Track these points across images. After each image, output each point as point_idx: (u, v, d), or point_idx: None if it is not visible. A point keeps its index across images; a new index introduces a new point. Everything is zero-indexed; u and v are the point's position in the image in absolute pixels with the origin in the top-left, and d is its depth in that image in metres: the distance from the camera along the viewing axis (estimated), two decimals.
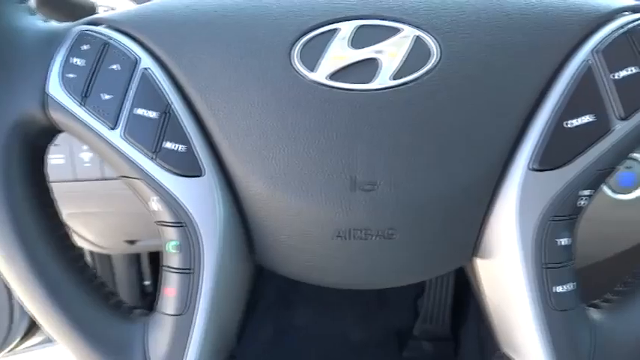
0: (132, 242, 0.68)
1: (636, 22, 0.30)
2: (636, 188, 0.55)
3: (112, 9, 0.54)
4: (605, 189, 0.54)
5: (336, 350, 1.12)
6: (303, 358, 1.13)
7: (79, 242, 0.66)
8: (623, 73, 0.29)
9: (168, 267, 0.31)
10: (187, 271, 0.30)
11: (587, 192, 0.29)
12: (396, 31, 0.30)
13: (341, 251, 0.30)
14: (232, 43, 0.30)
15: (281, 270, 0.33)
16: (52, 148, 0.34)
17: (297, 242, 0.31)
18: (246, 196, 0.30)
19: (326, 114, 0.29)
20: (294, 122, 0.29)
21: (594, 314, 0.31)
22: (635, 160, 0.55)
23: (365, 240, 0.30)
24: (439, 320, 1.07)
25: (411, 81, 0.29)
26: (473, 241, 0.31)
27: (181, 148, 0.30)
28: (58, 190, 0.34)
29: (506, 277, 0.31)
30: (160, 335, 0.31)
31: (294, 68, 0.29)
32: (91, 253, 0.79)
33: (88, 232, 0.64)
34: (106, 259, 0.86)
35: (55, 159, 0.52)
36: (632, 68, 0.29)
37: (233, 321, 0.34)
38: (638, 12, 0.31)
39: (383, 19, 0.30)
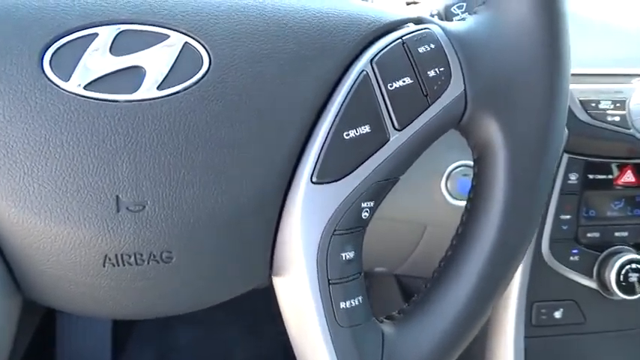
0: None
1: (414, 33, 0.30)
2: None
3: None
4: (447, 196, 0.56)
5: None
6: None
7: None
8: (397, 84, 0.29)
9: None
10: None
11: (369, 204, 0.29)
12: (163, 37, 0.27)
13: (113, 279, 0.27)
14: None
15: (52, 302, 0.29)
16: None
17: (64, 272, 0.27)
18: None
19: (83, 127, 0.26)
20: (46, 137, 0.26)
21: (386, 327, 0.31)
22: (471, 167, 0.58)
23: (138, 265, 0.27)
24: None
25: (179, 91, 0.27)
26: (266, 259, 0.30)
27: None
28: None
29: (298, 295, 0.29)
30: None
31: (45, 77, 0.26)
32: None
33: None
34: None
35: None
36: (407, 79, 0.29)
37: None
38: (420, 23, 0.32)
39: (148, 24, 0.27)
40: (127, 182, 0.26)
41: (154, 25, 0.27)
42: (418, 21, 0.32)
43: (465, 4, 0.41)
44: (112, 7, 0.27)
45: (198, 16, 0.28)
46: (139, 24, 0.27)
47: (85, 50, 0.27)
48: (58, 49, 0.26)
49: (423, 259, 0.61)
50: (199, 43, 0.27)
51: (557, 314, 0.59)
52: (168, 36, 0.27)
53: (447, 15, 0.42)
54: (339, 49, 0.29)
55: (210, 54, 0.27)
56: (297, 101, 0.28)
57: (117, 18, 0.27)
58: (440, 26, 0.31)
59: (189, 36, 0.27)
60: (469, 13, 0.42)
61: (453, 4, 0.42)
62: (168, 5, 0.28)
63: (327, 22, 0.29)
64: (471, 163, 0.60)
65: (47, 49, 0.26)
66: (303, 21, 0.29)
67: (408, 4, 0.60)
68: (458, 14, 0.41)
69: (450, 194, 0.56)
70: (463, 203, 0.61)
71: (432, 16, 0.42)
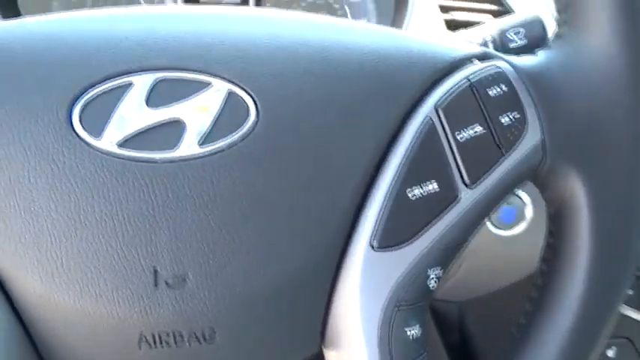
0: None
1: (482, 72, 0.27)
2: (517, 224, 0.53)
3: None
4: (488, 224, 0.52)
5: None
6: None
7: None
8: (467, 133, 0.25)
9: None
10: None
11: (437, 271, 0.25)
12: (205, 85, 0.24)
13: None
14: None
15: None
16: None
17: (94, 352, 0.24)
18: (21, 295, 0.24)
19: (116, 191, 0.23)
20: (76, 203, 0.23)
21: None
22: (516, 195, 0.54)
23: (178, 346, 0.24)
24: None
25: (223, 148, 0.24)
26: (317, 331, 0.27)
27: None
28: None
29: None
30: None
31: (74, 133, 0.23)
32: None
33: None
34: None
35: None
36: (477, 127, 0.26)
37: None
38: (485, 59, 0.28)
39: (187, 71, 0.24)
40: (165, 253, 0.23)
41: (194, 72, 0.24)
42: (483, 56, 0.28)
43: (522, 30, 0.38)
44: (148, 51, 0.24)
45: (242, 59, 0.25)
46: (178, 70, 0.24)
47: (119, 102, 0.23)
48: (89, 101, 0.23)
49: (460, 284, 0.58)
50: (245, 90, 0.24)
51: (611, 353, 0.55)
52: (211, 84, 0.24)
53: (502, 41, 0.38)
54: (399, 94, 0.26)
55: (258, 103, 0.24)
56: (355, 154, 0.25)
57: (153, 64, 0.24)
58: (508, 62, 0.28)
59: (233, 83, 0.24)
60: (527, 40, 0.39)
61: (509, 29, 0.38)
62: (208, 48, 0.25)
63: (385, 62, 0.26)
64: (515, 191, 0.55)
65: (76, 101, 0.23)
66: (358, 63, 0.26)
67: (448, 26, 0.56)
68: (515, 40, 0.38)
69: (493, 223, 0.53)
70: (505, 232, 0.58)
71: (485, 42, 0.38)
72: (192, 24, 0.26)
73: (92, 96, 0.23)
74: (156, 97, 0.24)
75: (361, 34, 0.28)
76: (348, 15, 0.63)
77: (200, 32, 0.26)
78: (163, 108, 0.24)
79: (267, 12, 0.29)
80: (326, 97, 0.25)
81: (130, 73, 0.24)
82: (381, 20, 0.62)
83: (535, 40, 0.38)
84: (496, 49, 0.38)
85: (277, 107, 0.24)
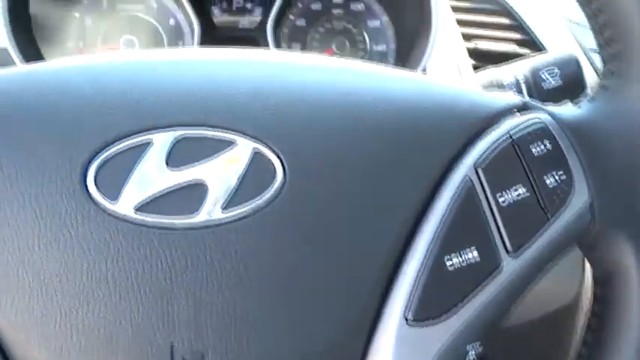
0: None
1: (524, 127, 0.25)
2: None
3: None
4: None
5: None
6: None
7: None
8: (509, 196, 0.24)
9: None
10: None
11: (476, 347, 0.23)
12: (228, 143, 0.22)
13: None
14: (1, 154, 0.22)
15: None
16: None
17: None
18: None
19: (132, 260, 0.21)
20: (88, 272, 0.21)
21: None
22: None
23: None
24: None
25: (248, 214, 0.22)
26: None
27: None
28: None
29: None
30: None
31: (89, 197, 0.22)
32: None
33: None
34: None
35: None
36: (520, 189, 0.24)
37: None
38: (525, 110, 0.26)
39: (209, 128, 0.23)
40: (184, 327, 0.21)
41: (216, 129, 0.23)
42: (523, 107, 0.26)
43: (557, 70, 0.36)
44: (167, 106, 0.23)
45: (268, 114, 0.23)
46: (199, 127, 0.23)
47: (137, 163, 0.22)
48: (105, 161, 0.22)
49: None
50: (271, 149, 0.23)
51: None
52: (235, 142, 0.22)
53: (535, 80, 0.36)
54: (436, 150, 0.24)
55: (285, 163, 0.22)
56: (388, 218, 0.23)
57: (173, 120, 0.22)
58: (551, 114, 0.26)
59: (258, 141, 0.23)
60: (563, 80, 0.37)
61: (543, 68, 0.36)
62: (231, 102, 0.23)
63: (420, 115, 0.24)
64: None
65: (91, 162, 0.22)
66: (392, 117, 0.24)
67: (471, 55, 0.54)
68: (549, 81, 0.36)
69: None
70: None
71: (518, 82, 0.37)
72: (212, 73, 0.25)
73: (108, 155, 0.22)
74: (176, 156, 0.22)
75: (393, 82, 0.26)
76: (367, 41, 0.61)
77: (221, 83, 0.24)
78: (184, 169, 0.22)
79: (290, 57, 0.27)
80: (358, 156, 0.23)
81: (149, 130, 0.22)
82: (400, 46, 0.60)
83: (571, 80, 0.36)
84: (529, 89, 0.36)
85: (306, 168, 0.23)
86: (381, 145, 0.24)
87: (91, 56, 0.26)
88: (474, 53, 0.55)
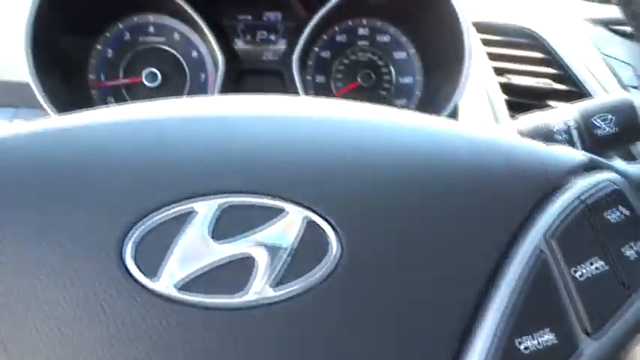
0: None
1: (596, 191, 0.23)
2: None
3: None
4: None
5: None
6: None
7: None
8: (585, 270, 0.21)
9: None
10: None
11: None
12: (278, 212, 0.20)
13: None
14: (31, 224, 0.20)
15: None
16: None
17: None
18: None
19: (173, 343, 0.19)
20: (124, 356, 0.19)
21: None
22: None
23: None
24: None
25: (300, 291, 0.20)
26: None
27: None
28: None
29: None
30: None
31: (126, 273, 0.20)
32: None
33: None
34: None
35: None
36: (598, 262, 0.21)
37: None
38: (596, 169, 0.24)
39: (256, 195, 0.21)
40: None
41: (264, 196, 0.21)
42: (591, 165, 0.24)
43: (612, 117, 0.34)
44: (209, 171, 0.21)
45: (320, 178, 0.21)
46: (245, 194, 0.21)
47: (178, 236, 0.20)
48: (144, 234, 0.20)
49: None
50: (324, 218, 0.21)
51: None
52: (284, 210, 0.20)
53: (587, 127, 0.34)
54: (502, 218, 0.22)
55: (341, 234, 0.20)
56: (452, 295, 0.21)
57: (217, 187, 0.21)
58: (621, 174, 0.24)
59: (311, 209, 0.21)
60: (618, 127, 0.35)
61: (595, 114, 0.34)
62: (279, 165, 0.21)
63: (482, 177, 0.22)
64: None
65: (128, 235, 0.20)
66: (453, 178, 0.22)
67: (504, 90, 0.52)
68: (603, 127, 0.34)
69: None
70: None
71: (568, 128, 0.34)
72: (257, 130, 0.23)
73: (147, 227, 0.20)
74: (221, 227, 0.20)
75: (451, 138, 0.24)
76: (393, 73, 0.59)
77: (267, 143, 0.22)
78: (230, 242, 0.20)
79: (336, 107, 0.25)
80: (420, 225, 0.21)
81: (191, 198, 0.20)
82: (428, 79, 0.59)
83: (626, 127, 0.34)
84: (580, 135, 0.34)
85: (363, 239, 0.20)
86: (444, 212, 0.21)
87: (124, 108, 0.24)
88: (507, 88, 0.53)
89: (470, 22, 0.51)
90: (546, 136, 0.34)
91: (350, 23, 0.59)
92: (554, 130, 0.34)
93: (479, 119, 0.52)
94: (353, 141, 0.22)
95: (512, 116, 0.51)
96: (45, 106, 0.48)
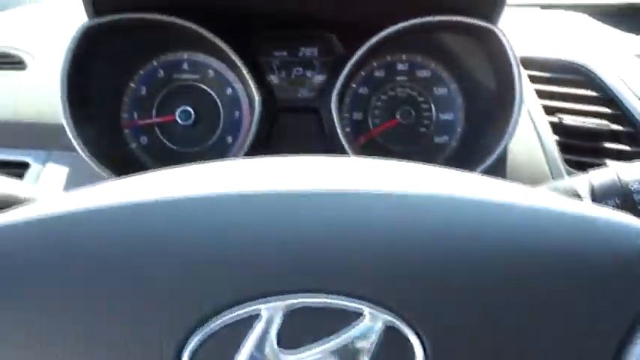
0: None
1: None
2: None
3: None
4: None
5: None
6: None
7: None
8: None
9: None
10: None
11: None
12: (354, 316, 0.18)
13: None
14: (78, 335, 0.18)
15: None
16: None
17: None
18: None
19: None
20: None
21: None
22: None
23: None
24: None
25: None
26: None
27: None
28: None
29: None
30: None
31: None
32: None
33: None
34: None
35: None
36: None
37: None
38: None
39: (328, 295, 0.18)
40: None
41: (338, 295, 0.18)
42: None
43: None
44: (274, 267, 0.18)
45: (402, 275, 0.18)
46: (315, 294, 0.18)
47: (242, 344, 0.17)
48: (202, 342, 0.17)
49: None
50: (407, 323, 0.18)
51: None
52: (362, 314, 0.18)
53: (624, 194, 0.32)
54: (614, 304, 0.19)
55: (426, 342, 0.18)
56: None
57: (283, 285, 0.18)
58: None
59: (391, 312, 0.18)
60: None
61: (636, 190, 0.31)
62: (354, 260, 0.19)
63: (584, 263, 0.19)
64: None
65: (186, 343, 0.17)
66: (551, 271, 0.19)
67: (555, 131, 0.49)
68: None
69: None
70: None
71: (607, 198, 0.32)
72: (325, 214, 0.20)
73: (206, 333, 0.17)
74: (289, 333, 0.18)
75: (539, 216, 0.21)
76: (433, 109, 0.57)
77: (339, 232, 0.19)
78: (300, 352, 0.18)
79: (408, 179, 0.22)
80: (518, 322, 0.18)
81: (254, 299, 0.18)
82: (470, 116, 0.56)
83: None
84: None
85: (453, 348, 0.18)
86: (548, 311, 0.19)
87: (171, 180, 0.22)
88: (558, 128, 0.50)
89: (519, 58, 0.48)
90: (624, 194, 0.31)
91: (389, 58, 0.57)
92: (633, 188, 0.32)
93: (529, 161, 0.49)
94: (435, 226, 0.20)
95: (567, 161, 0.48)
96: (78, 149, 0.46)
